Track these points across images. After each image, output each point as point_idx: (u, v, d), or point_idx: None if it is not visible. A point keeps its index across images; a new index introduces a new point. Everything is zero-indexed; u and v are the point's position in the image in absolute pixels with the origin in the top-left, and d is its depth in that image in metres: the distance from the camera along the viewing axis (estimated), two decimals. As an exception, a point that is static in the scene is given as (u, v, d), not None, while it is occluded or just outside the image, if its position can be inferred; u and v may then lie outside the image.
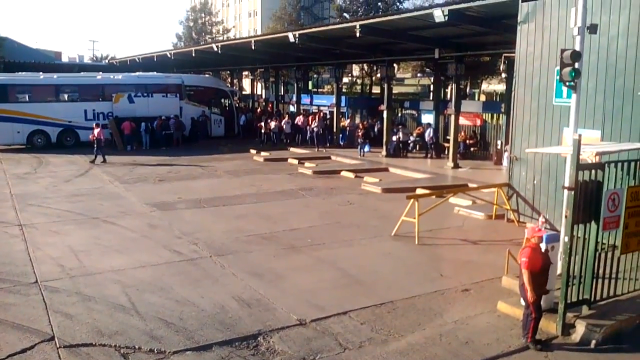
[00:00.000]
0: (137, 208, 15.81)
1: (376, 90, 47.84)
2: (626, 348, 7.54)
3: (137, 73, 35.06)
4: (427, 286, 9.73)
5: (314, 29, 24.47)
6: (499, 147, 24.46)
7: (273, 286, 9.68)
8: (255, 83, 51.33)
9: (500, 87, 49.05)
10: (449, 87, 36.88)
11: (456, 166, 22.73)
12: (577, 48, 9.24)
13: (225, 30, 71.42)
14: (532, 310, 7.52)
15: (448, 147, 24.46)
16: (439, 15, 16.12)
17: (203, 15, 69.10)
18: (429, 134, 26.09)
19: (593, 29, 9.26)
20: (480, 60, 37.33)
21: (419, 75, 51.34)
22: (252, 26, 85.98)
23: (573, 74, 9.04)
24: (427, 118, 28.45)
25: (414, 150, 27.68)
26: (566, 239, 7.88)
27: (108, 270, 10.43)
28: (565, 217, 7.92)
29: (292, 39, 23.42)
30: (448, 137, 25.36)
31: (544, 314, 7.98)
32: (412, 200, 12.91)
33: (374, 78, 49.63)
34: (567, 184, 8.91)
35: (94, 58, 79.77)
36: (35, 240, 12.32)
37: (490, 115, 27.04)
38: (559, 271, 8.72)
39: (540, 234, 7.83)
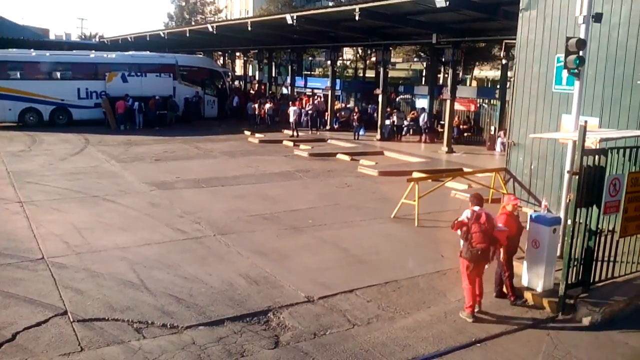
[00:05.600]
0: (136, 187, 15.85)
1: (370, 74, 47.87)
2: (624, 328, 7.81)
3: (131, 52, 34.75)
4: (429, 266, 9.96)
5: (312, 11, 24.39)
6: (492, 132, 24.76)
7: (278, 265, 9.86)
8: (247, 65, 51.03)
9: (492, 73, 49.43)
10: (442, 73, 37.12)
11: (450, 151, 22.97)
12: (581, 36, 9.41)
13: (217, 10, 70.66)
14: (505, 268, 8.40)
15: (442, 132, 24.68)
16: (440, 0, 16.20)
17: (195, -6, 68.24)
18: (423, 118, 26.27)
19: (598, 17, 9.43)
20: (475, 46, 37.46)
21: (415, 59, 51.40)
22: (244, 7, 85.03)
23: (577, 62, 9.22)
24: (422, 103, 28.63)
25: (408, 134, 27.87)
26: (569, 221, 8.11)
27: (113, 247, 10.53)
28: (569, 200, 8.15)
29: (289, 21, 23.33)
30: (442, 122, 25.59)
31: (545, 294, 8.33)
32: (412, 183, 13.11)
33: (367, 62, 49.62)
34: (568, 168, 9.21)
35: (83, 36, 78.72)
36: (37, 218, 12.35)
37: (482, 100, 27.23)
38: (558, 252, 8.99)
39: (515, 202, 8.60)
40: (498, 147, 23.17)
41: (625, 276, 8.91)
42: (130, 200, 14.26)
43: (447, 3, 16.14)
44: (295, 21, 23.23)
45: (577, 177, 7.81)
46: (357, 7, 19.65)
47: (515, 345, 7.27)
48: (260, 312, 7.90)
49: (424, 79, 47.39)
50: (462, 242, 7.97)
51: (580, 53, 9.22)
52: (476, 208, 7.99)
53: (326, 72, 50.56)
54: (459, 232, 7.93)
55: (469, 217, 7.87)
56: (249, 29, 27.24)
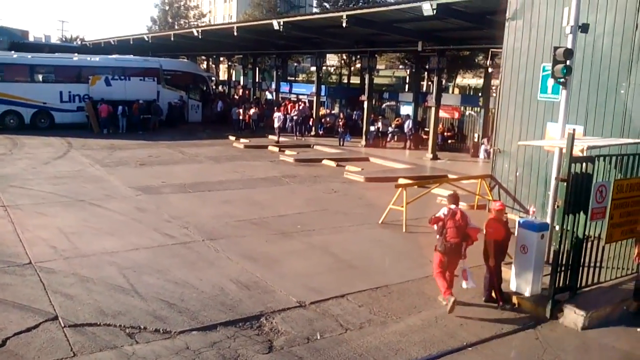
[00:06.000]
0: (122, 191, 15.73)
1: (354, 80, 48.08)
2: (610, 331, 7.98)
3: (115, 56, 34.44)
4: (418, 272, 10.04)
5: (299, 18, 24.54)
6: (475, 140, 25.05)
7: (269, 270, 9.86)
8: (231, 69, 50.99)
9: (474, 81, 49.97)
10: (425, 80, 37.44)
11: (435, 157, 23.17)
12: (568, 46, 9.61)
13: (200, 14, 70.55)
14: (492, 274, 8.65)
15: (426, 139, 24.90)
16: (427, 8, 16.40)
17: (179, -2, 68.10)
18: (408, 125, 26.49)
19: (584, 28, 9.64)
20: (458, 54, 37.86)
21: (400, 67, 51.80)
22: (228, 12, 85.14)
23: (565, 71, 9.41)
24: (406, 109, 28.86)
25: (393, 140, 28.06)
26: (556, 227, 8.27)
27: (102, 252, 10.43)
28: (557, 206, 8.31)
29: (276, 27, 23.39)
30: (427, 129, 25.81)
31: (533, 299, 8.45)
32: (400, 189, 13.22)
33: (352, 68, 49.85)
34: (555, 175, 9.38)
35: (63, 39, 77.86)
36: (22, 222, 12.18)
37: (466, 108, 27.53)
38: (546, 258, 9.14)
39: (501, 207, 8.86)
40: (481, 154, 23.47)
41: (611, 281, 9.11)
42: (116, 204, 14.15)
43: (434, 11, 16.34)
44: (282, 27, 23.30)
45: (565, 183, 7.97)
46: (344, 13, 19.80)
47: (505, 349, 7.39)
48: (252, 317, 7.90)
49: (407, 86, 47.77)
50: (437, 236, 8.43)
51: (568, 62, 9.41)
52: (452, 206, 8.44)
53: (310, 78, 50.71)
54: (435, 227, 8.41)
55: (445, 213, 8.38)
56: (235, 34, 27.25)
